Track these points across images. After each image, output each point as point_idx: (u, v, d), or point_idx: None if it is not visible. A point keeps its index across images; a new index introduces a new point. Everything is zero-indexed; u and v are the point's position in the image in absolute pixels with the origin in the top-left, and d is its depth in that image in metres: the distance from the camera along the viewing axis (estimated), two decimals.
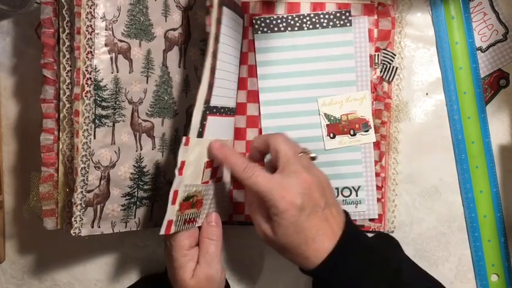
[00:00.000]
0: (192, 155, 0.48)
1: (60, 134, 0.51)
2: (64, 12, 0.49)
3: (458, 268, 0.60)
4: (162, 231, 0.47)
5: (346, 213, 0.50)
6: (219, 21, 0.48)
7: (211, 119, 0.50)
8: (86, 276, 0.65)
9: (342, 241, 0.47)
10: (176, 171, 0.46)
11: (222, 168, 0.55)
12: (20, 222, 0.64)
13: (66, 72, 0.50)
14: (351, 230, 0.48)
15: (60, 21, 0.50)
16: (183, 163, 0.47)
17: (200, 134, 0.48)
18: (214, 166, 0.52)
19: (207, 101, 0.49)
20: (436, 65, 0.59)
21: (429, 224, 0.60)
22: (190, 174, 0.48)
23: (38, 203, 0.53)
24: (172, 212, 0.47)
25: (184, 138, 0.46)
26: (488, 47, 0.58)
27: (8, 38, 0.62)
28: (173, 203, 0.47)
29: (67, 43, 0.50)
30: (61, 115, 0.51)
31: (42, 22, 0.50)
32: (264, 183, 0.46)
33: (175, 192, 0.47)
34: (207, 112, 0.49)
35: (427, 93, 0.59)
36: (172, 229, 0.48)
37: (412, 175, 0.60)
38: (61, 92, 0.51)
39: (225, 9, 0.49)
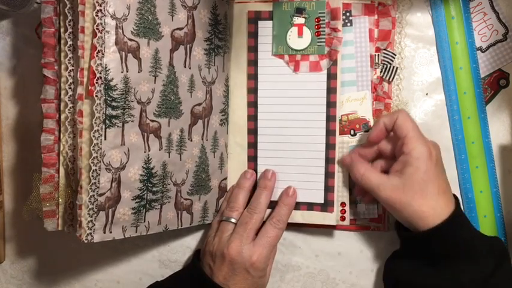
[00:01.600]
0: None
1: (62, 134, 0.51)
2: (66, 11, 0.49)
3: None
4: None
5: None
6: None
7: None
8: (86, 276, 0.65)
9: (459, 206, 0.51)
10: None
11: None
12: (20, 223, 0.64)
13: (68, 72, 0.50)
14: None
15: (62, 20, 0.50)
16: None
17: None
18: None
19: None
20: (436, 65, 0.59)
21: None
22: None
23: (38, 204, 0.52)
24: None
25: None
26: (488, 47, 0.58)
27: (8, 38, 0.62)
28: None
29: (69, 42, 0.49)
30: (62, 115, 0.50)
31: (42, 21, 0.50)
32: (410, 125, 0.51)
33: None
34: None
35: (427, 93, 0.59)
36: None
37: None
38: (62, 92, 0.50)
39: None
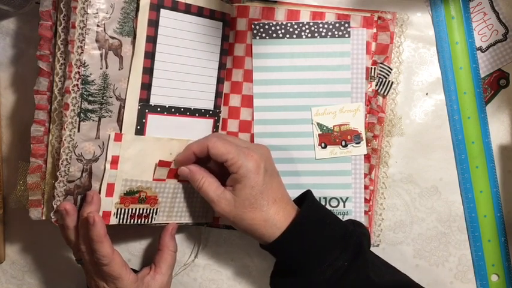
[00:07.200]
0: (130, 151, 0.51)
1: (51, 126, 0.51)
2: (62, 6, 0.49)
3: (458, 268, 0.59)
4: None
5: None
6: (152, 24, 0.51)
7: (154, 118, 0.52)
8: None
9: (302, 211, 0.50)
10: (107, 165, 0.50)
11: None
12: (20, 223, 0.64)
13: (60, 65, 0.50)
14: (311, 202, 0.52)
15: (58, 14, 0.50)
16: (115, 158, 0.50)
17: (140, 132, 0.51)
18: (173, 167, 0.53)
19: (144, 99, 0.51)
20: (436, 65, 0.58)
21: (429, 224, 0.59)
22: (131, 169, 0.51)
23: (24, 192, 0.53)
24: (108, 203, 0.51)
25: (113, 134, 0.50)
26: (488, 47, 0.58)
27: (8, 38, 0.61)
28: (108, 195, 0.51)
29: (62, 36, 0.50)
30: (52, 107, 0.51)
31: (40, 14, 0.50)
32: (224, 150, 0.50)
33: (110, 185, 0.51)
34: (147, 110, 0.51)
35: (427, 93, 0.58)
36: (113, 220, 0.52)
37: (412, 175, 0.59)
38: (54, 84, 0.50)
39: (166, 12, 0.51)
